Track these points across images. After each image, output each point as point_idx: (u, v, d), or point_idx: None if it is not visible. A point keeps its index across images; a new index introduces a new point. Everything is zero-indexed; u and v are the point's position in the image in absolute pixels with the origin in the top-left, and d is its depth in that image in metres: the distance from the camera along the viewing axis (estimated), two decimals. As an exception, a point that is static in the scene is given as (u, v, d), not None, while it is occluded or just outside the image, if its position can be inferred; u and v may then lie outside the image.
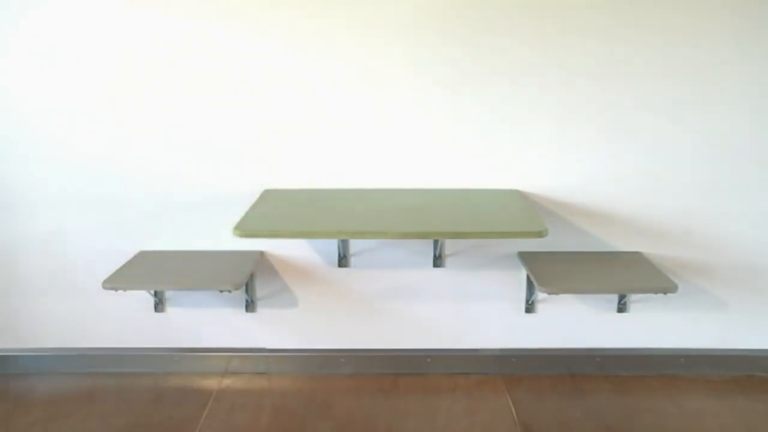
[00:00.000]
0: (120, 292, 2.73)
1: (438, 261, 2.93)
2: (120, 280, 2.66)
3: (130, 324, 2.99)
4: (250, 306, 2.96)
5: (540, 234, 2.27)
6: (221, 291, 2.72)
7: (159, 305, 2.94)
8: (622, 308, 2.95)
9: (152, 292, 2.87)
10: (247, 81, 2.73)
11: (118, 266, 2.76)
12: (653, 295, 2.88)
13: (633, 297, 2.95)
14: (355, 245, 2.94)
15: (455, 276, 2.95)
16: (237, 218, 2.45)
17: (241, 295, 2.91)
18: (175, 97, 2.76)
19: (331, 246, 2.91)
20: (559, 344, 3.00)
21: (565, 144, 2.80)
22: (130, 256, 2.85)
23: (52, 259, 2.94)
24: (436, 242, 2.89)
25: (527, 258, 2.82)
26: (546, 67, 2.73)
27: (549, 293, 2.55)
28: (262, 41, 2.68)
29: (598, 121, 2.78)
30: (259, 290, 2.96)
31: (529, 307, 2.96)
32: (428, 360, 3.03)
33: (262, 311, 2.97)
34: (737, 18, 2.69)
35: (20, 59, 2.76)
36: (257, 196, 2.74)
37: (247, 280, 2.80)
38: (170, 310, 2.99)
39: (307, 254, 2.95)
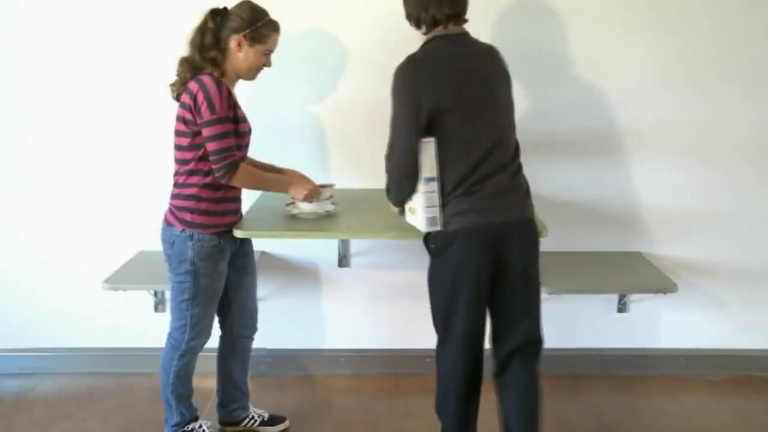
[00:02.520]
0: (120, 292, 2.73)
1: (438, 261, 2.92)
2: (120, 280, 2.67)
3: (130, 324, 2.99)
4: (250, 306, 2.95)
5: (540, 234, 2.27)
6: (221, 291, 2.72)
7: (159, 305, 2.94)
8: (622, 308, 2.95)
9: (152, 292, 2.87)
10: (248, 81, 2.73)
11: (118, 266, 2.76)
12: (653, 295, 2.88)
13: (633, 297, 2.95)
14: (355, 245, 2.93)
15: (455, 276, 2.94)
16: (237, 218, 2.45)
17: (241, 295, 2.90)
18: (175, 97, 2.76)
19: (331, 246, 2.91)
20: (559, 344, 2.99)
21: (564, 144, 2.80)
22: (130, 256, 2.85)
23: (51, 259, 2.94)
24: (436, 242, 2.88)
25: (527, 258, 2.81)
26: (545, 65, 2.73)
27: (549, 293, 2.54)
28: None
29: (598, 120, 2.78)
30: (260, 290, 2.95)
31: (529, 307, 2.95)
32: (428, 360, 3.01)
33: (263, 311, 2.96)
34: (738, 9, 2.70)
35: (23, 54, 2.76)
36: (257, 196, 2.73)
37: (247, 280, 2.79)
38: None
39: (307, 254, 2.95)
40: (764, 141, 2.82)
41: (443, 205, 1.98)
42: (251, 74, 2.26)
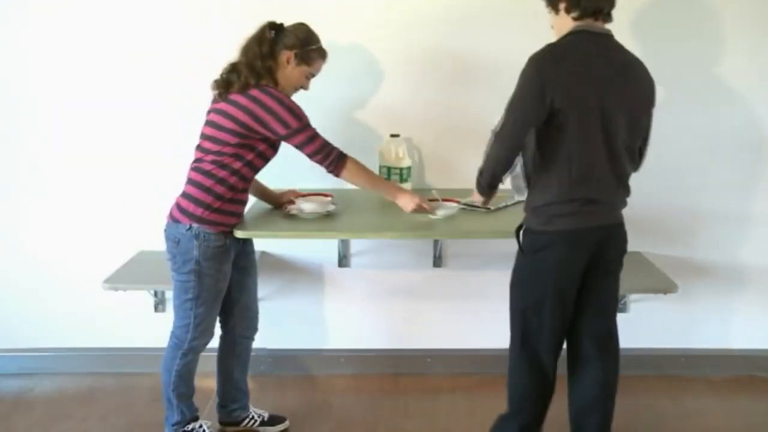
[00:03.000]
0: (120, 292, 2.73)
1: (438, 261, 2.92)
2: (120, 280, 2.67)
3: (130, 324, 2.99)
4: (250, 306, 2.95)
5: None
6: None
7: (159, 305, 2.94)
8: (622, 308, 2.95)
9: (152, 292, 2.87)
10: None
11: (118, 266, 2.76)
12: (653, 295, 2.88)
13: (633, 297, 2.95)
14: (355, 245, 2.93)
15: (455, 276, 2.95)
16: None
17: (241, 295, 2.90)
18: (177, 99, 2.76)
19: (331, 246, 2.91)
20: (559, 344, 2.99)
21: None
22: (130, 256, 2.85)
23: (51, 258, 2.94)
24: (436, 242, 2.89)
25: (527, 258, 2.80)
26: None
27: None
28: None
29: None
30: (260, 290, 2.95)
31: (529, 307, 2.94)
32: (428, 360, 3.03)
33: (262, 311, 2.96)
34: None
35: (24, 54, 2.76)
36: (257, 196, 2.73)
37: (247, 280, 2.79)
38: (170, 310, 2.97)
39: (307, 254, 2.95)
40: (765, 140, 2.82)
41: (548, 203, 1.99)
42: (290, 92, 2.31)
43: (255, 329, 2.55)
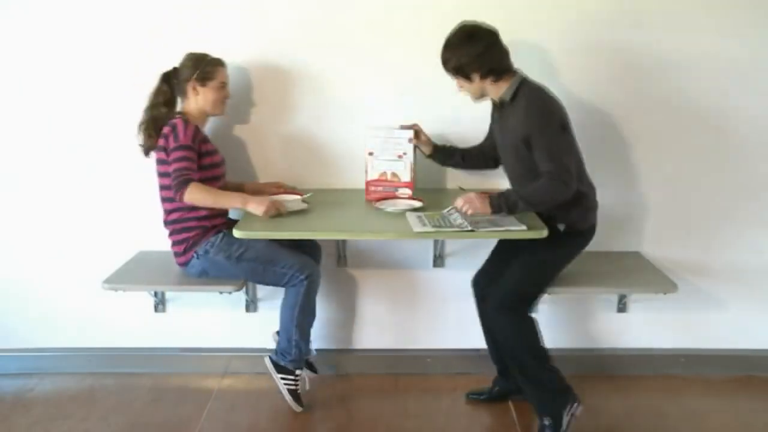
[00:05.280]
0: (120, 292, 2.73)
1: (438, 261, 2.92)
2: (120, 280, 2.67)
3: (130, 324, 2.99)
4: (250, 306, 2.95)
5: (540, 234, 2.27)
6: (221, 292, 2.70)
7: (159, 305, 2.94)
8: (622, 308, 2.95)
9: (152, 292, 2.87)
10: (246, 83, 2.74)
11: (118, 266, 2.75)
12: (653, 295, 2.88)
13: (633, 297, 2.95)
14: (355, 245, 2.93)
15: (455, 276, 2.94)
16: (237, 218, 2.45)
17: (241, 295, 2.89)
18: (175, 97, 2.76)
19: (331, 246, 2.91)
20: (559, 344, 2.99)
21: (565, 144, 2.79)
22: (130, 256, 2.85)
23: (51, 259, 2.94)
24: (436, 242, 2.89)
25: (527, 258, 2.81)
26: (547, 65, 2.73)
27: (549, 293, 2.55)
28: (253, 43, 2.68)
29: (597, 121, 2.78)
30: (259, 290, 2.96)
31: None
32: (428, 360, 3.03)
33: (262, 311, 2.97)
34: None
35: (24, 53, 2.76)
36: (257, 196, 2.73)
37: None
38: (170, 310, 2.98)
39: (307, 254, 2.94)
40: (764, 141, 2.82)
41: (589, 207, 2.45)
42: (217, 109, 2.52)
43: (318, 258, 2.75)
